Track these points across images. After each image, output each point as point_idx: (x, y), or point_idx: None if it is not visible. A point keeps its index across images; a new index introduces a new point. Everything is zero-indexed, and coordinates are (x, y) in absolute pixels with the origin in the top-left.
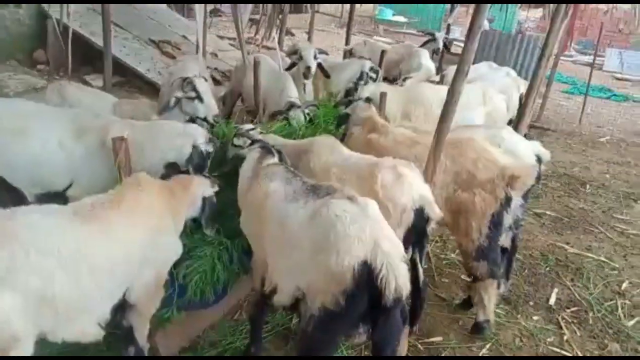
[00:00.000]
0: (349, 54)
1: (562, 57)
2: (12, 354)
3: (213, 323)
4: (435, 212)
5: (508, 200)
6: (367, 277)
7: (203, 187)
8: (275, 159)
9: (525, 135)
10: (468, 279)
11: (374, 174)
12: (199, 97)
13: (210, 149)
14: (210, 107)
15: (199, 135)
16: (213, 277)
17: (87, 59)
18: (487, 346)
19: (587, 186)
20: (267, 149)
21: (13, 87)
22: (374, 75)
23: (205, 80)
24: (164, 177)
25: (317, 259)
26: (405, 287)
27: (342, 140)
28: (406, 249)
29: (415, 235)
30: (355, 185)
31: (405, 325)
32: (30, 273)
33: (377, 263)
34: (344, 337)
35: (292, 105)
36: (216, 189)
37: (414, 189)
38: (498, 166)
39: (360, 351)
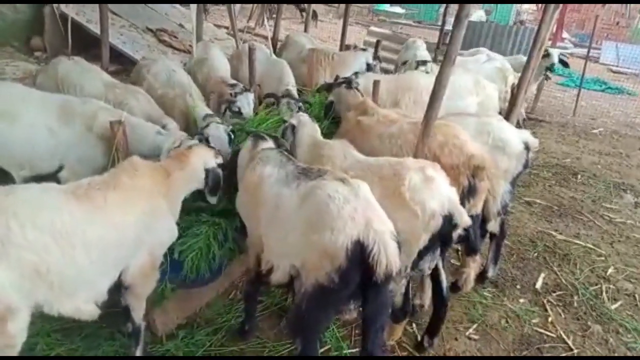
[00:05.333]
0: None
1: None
2: (9, 324)
3: (209, 301)
4: (464, 219)
5: (471, 189)
6: (360, 255)
7: (205, 159)
8: (270, 144)
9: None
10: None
11: (401, 175)
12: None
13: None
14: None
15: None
16: (208, 255)
17: (83, 46)
18: (474, 326)
19: (579, 176)
20: (260, 136)
21: (10, 74)
22: (376, 62)
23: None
24: None
25: (311, 238)
26: (395, 264)
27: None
28: (427, 255)
29: (440, 241)
30: (378, 187)
31: (405, 318)
32: (25, 247)
33: (370, 241)
34: (336, 313)
35: (286, 95)
36: (220, 160)
37: (443, 192)
38: (465, 154)
39: (351, 330)
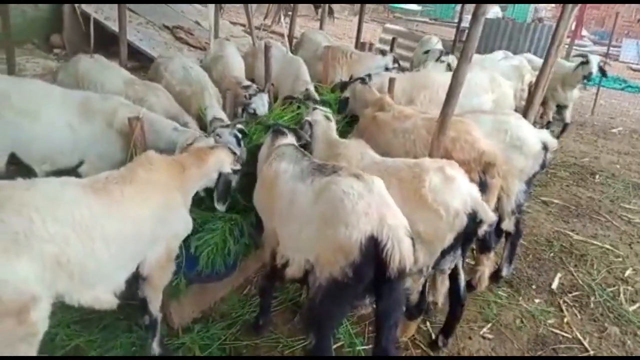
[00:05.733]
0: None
1: (576, 47)
2: (32, 313)
3: (224, 296)
4: (489, 215)
5: (482, 186)
6: (374, 250)
7: (222, 163)
8: (288, 140)
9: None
10: (471, 263)
11: (421, 177)
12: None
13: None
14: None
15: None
16: (224, 250)
17: (101, 44)
18: (489, 326)
19: (597, 176)
20: (280, 131)
21: (30, 70)
22: (397, 65)
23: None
24: None
25: (325, 233)
26: (409, 260)
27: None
28: (450, 254)
29: (464, 240)
30: (397, 189)
31: (418, 317)
32: (47, 239)
33: (383, 236)
34: (350, 308)
35: (307, 98)
36: (237, 167)
37: (465, 191)
38: (476, 150)
39: (365, 326)
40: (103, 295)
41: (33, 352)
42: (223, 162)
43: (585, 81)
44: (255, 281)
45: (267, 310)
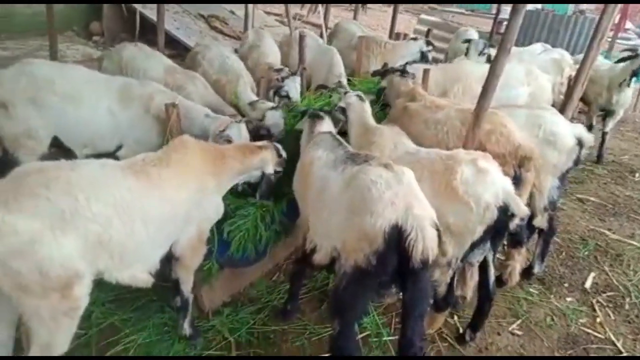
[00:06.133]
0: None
1: (619, 41)
2: (75, 288)
3: (253, 281)
4: (521, 208)
5: (516, 180)
6: (398, 239)
7: (266, 163)
8: (326, 127)
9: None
10: (501, 258)
11: (452, 169)
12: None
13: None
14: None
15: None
16: (255, 236)
17: (139, 32)
18: (518, 322)
19: (636, 174)
20: (316, 115)
21: (71, 57)
22: (431, 47)
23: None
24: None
25: (352, 221)
26: (432, 251)
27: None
28: (479, 247)
29: (494, 233)
30: (428, 181)
31: (445, 309)
32: (90, 219)
33: (408, 226)
34: (374, 297)
35: (339, 87)
36: (279, 169)
37: (497, 183)
38: (512, 143)
39: (392, 317)
40: (140, 274)
41: (74, 326)
42: (267, 162)
43: (635, 78)
44: (285, 268)
45: (295, 297)
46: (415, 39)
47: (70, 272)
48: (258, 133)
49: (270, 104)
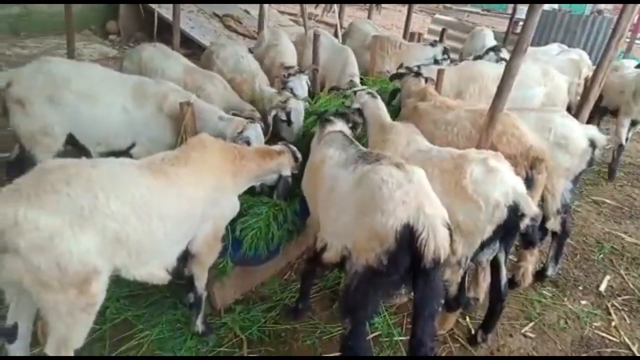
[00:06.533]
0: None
1: (638, 41)
2: (93, 285)
3: (264, 280)
4: (532, 208)
5: (528, 181)
6: (409, 239)
7: (284, 167)
8: (338, 127)
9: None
10: (513, 259)
11: (462, 168)
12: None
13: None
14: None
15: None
16: (267, 235)
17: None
18: (531, 324)
19: None
20: (327, 120)
21: (87, 56)
22: (447, 56)
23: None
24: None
25: (362, 220)
26: (444, 250)
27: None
28: (490, 247)
29: (504, 232)
30: (438, 180)
31: (457, 309)
32: (109, 216)
33: (419, 226)
34: (385, 296)
35: (352, 87)
36: (295, 171)
37: (507, 183)
38: (523, 144)
39: (403, 317)
40: (157, 271)
41: (90, 322)
42: (284, 166)
43: None
44: (296, 267)
45: (306, 296)
46: (433, 44)
47: (88, 268)
48: (278, 122)
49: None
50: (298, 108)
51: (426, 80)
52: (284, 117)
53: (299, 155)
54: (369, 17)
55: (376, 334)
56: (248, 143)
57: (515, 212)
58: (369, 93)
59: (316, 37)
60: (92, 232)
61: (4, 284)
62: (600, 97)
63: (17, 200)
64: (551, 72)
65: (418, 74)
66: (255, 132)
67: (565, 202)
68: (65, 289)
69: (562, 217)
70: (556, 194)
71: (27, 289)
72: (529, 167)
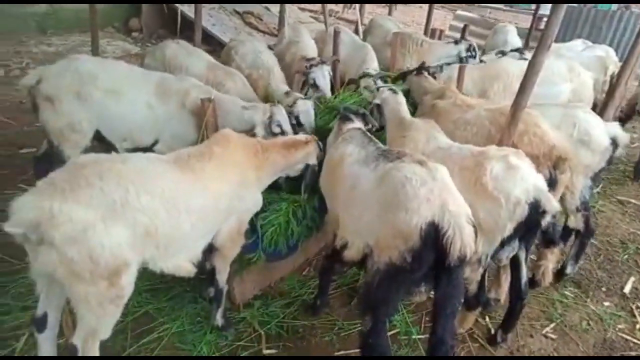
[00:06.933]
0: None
1: None
2: (123, 277)
3: (284, 275)
4: (553, 204)
5: (551, 182)
6: (434, 237)
7: (310, 157)
8: (355, 124)
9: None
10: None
11: (482, 165)
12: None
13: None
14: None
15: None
16: (287, 230)
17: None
18: (552, 325)
19: None
20: (346, 117)
21: (110, 53)
22: (473, 53)
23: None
24: None
25: (385, 217)
26: (470, 248)
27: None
28: (510, 244)
29: (524, 230)
30: (458, 177)
31: (476, 308)
32: (139, 210)
33: (444, 223)
34: (406, 293)
35: (364, 75)
36: (319, 160)
37: (528, 180)
38: (546, 143)
39: (422, 316)
40: (184, 263)
41: (118, 313)
42: (311, 156)
43: None
44: (315, 263)
45: (325, 292)
46: (457, 42)
47: (118, 261)
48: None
49: (301, 95)
50: (306, 109)
51: (434, 76)
52: (293, 120)
53: (321, 145)
54: (389, 14)
55: (394, 331)
56: (280, 127)
57: (536, 209)
58: (390, 89)
59: (336, 33)
60: (123, 226)
61: (38, 275)
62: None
63: (53, 194)
64: (577, 68)
65: (420, 72)
66: (283, 115)
67: (584, 199)
68: (96, 281)
69: (584, 215)
70: (575, 192)
71: (60, 280)
72: (552, 167)
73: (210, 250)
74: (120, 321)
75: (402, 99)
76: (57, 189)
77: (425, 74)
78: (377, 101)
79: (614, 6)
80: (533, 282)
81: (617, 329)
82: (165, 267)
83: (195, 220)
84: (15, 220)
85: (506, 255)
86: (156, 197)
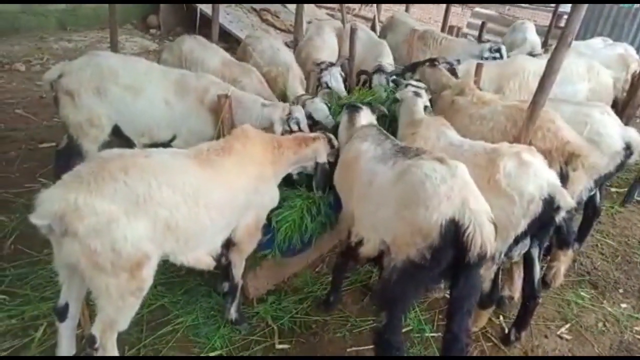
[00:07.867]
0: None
1: None
2: (144, 269)
3: (297, 271)
4: (567, 200)
5: (562, 178)
6: (454, 234)
7: (319, 153)
8: (369, 119)
9: None
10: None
11: (495, 162)
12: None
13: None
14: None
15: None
16: (301, 227)
17: (192, 25)
18: (567, 326)
19: None
20: (354, 107)
21: (129, 49)
22: (497, 55)
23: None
24: None
25: (403, 214)
26: (491, 245)
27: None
28: (523, 241)
29: (538, 226)
30: (471, 174)
31: (490, 306)
32: (160, 204)
33: (465, 220)
34: (424, 290)
35: (378, 69)
36: (331, 159)
37: (541, 176)
38: (560, 139)
39: (435, 314)
40: (203, 257)
41: (137, 305)
42: (320, 153)
43: None
44: (328, 259)
45: (338, 289)
46: (483, 41)
47: (140, 253)
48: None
49: (309, 96)
50: (315, 107)
51: (454, 71)
52: (310, 122)
53: (335, 142)
54: (406, 11)
55: (407, 329)
56: (298, 124)
57: (550, 205)
58: (414, 92)
59: (353, 31)
60: (145, 219)
61: (61, 266)
62: None
63: (78, 187)
64: (596, 67)
65: (433, 64)
66: (301, 113)
67: (581, 200)
68: (118, 273)
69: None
70: (575, 191)
71: (83, 272)
72: (564, 162)
73: (227, 245)
74: (137, 313)
75: (420, 102)
76: (82, 183)
77: (440, 67)
78: (397, 96)
79: (637, 5)
80: (544, 283)
81: (634, 331)
82: (185, 260)
83: (215, 215)
84: (40, 211)
85: (518, 253)
86: (177, 192)
